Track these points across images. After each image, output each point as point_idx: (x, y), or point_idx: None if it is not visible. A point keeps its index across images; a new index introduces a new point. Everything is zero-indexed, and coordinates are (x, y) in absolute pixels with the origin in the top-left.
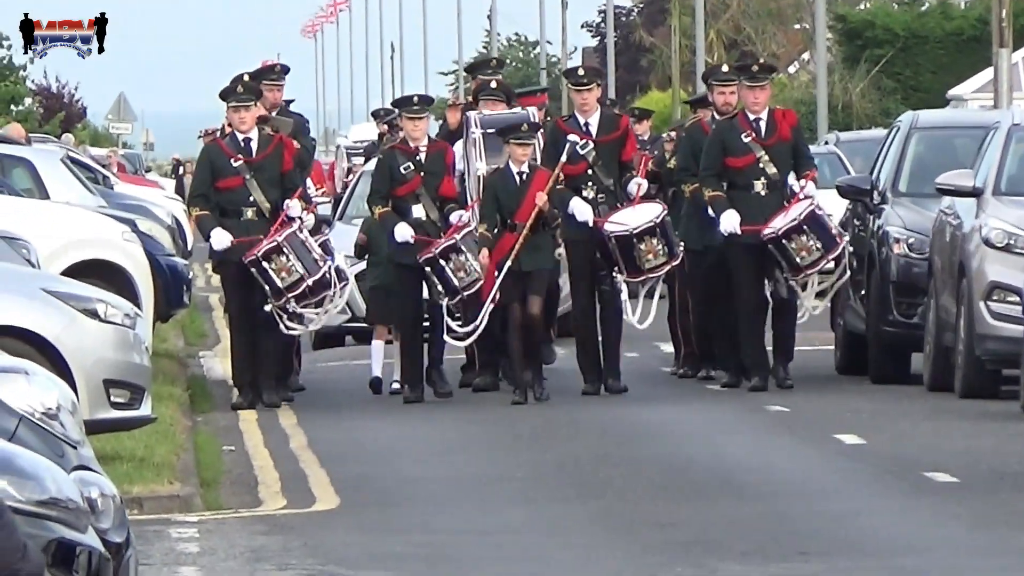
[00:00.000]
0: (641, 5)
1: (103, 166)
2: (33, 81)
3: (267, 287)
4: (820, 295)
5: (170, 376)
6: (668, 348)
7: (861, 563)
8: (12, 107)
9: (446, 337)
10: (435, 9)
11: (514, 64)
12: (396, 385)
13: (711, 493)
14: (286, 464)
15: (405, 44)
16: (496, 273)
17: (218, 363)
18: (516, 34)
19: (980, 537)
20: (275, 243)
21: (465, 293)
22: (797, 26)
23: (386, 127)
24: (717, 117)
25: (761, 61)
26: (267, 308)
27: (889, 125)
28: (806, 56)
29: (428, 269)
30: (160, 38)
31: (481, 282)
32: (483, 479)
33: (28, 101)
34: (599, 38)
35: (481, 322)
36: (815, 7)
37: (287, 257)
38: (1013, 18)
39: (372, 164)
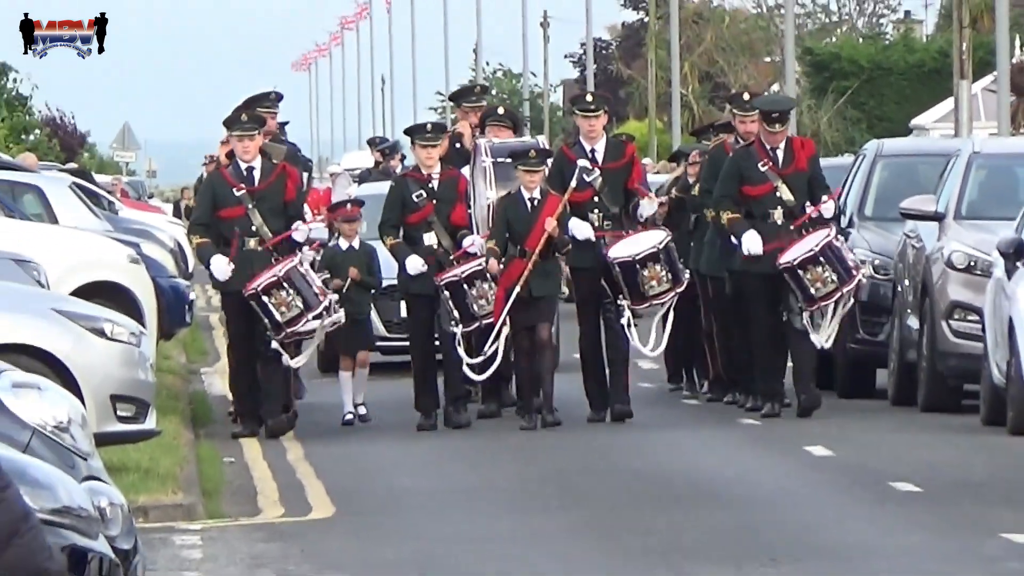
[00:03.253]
0: (620, 39)
1: (108, 192)
2: (40, 112)
3: (267, 320)
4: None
5: (173, 391)
6: (647, 365)
7: (830, 569)
8: (23, 136)
9: (466, 370)
10: (423, 43)
11: (499, 95)
12: (349, 416)
13: (687, 503)
14: (284, 475)
15: (395, 76)
16: (505, 299)
17: (218, 379)
18: (500, 65)
19: (943, 544)
20: (275, 278)
21: (483, 322)
22: (767, 59)
23: (381, 154)
24: (741, 141)
25: (782, 108)
26: (273, 345)
27: (855, 153)
28: (776, 87)
29: (447, 293)
30: (162, 72)
31: (494, 337)
32: (471, 490)
33: (37, 132)
34: (580, 70)
35: (495, 351)
36: (784, 41)
37: (287, 292)
38: (972, 51)
39: (360, 189)
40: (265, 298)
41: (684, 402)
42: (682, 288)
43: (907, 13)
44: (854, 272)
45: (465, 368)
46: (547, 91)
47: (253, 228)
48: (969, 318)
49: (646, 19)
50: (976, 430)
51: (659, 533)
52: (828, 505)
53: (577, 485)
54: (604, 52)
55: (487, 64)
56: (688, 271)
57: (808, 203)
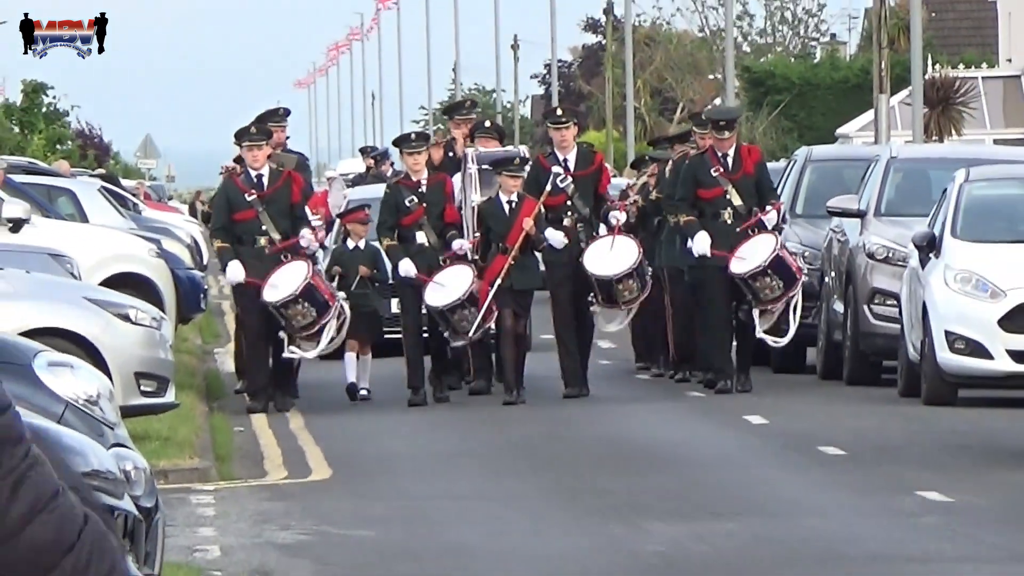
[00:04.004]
0: (580, 59)
1: (133, 195)
2: (78, 119)
3: (282, 321)
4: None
5: (190, 369)
6: (605, 345)
7: (767, 522)
8: (57, 147)
9: (450, 337)
10: (408, 64)
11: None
12: (364, 392)
13: (641, 466)
14: (287, 442)
15: (384, 92)
16: (489, 289)
17: (229, 359)
18: (475, 83)
19: (866, 501)
20: (292, 296)
21: (473, 336)
22: (711, 76)
23: (372, 161)
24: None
25: (727, 118)
26: (281, 334)
27: (788, 158)
28: (718, 101)
29: (436, 316)
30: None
31: (481, 327)
32: (452, 455)
33: (70, 143)
34: (545, 87)
35: (475, 334)
36: (725, 60)
37: (302, 305)
38: (890, 69)
39: (353, 192)
40: (283, 309)
41: (637, 377)
42: (647, 294)
43: (833, 35)
44: (797, 276)
45: (452, 344)
46: (517, 105)
47: (263, 228)
48: (888, 303)
49: (603, 41)
50: (894, 401)
51: (616, 493)
52: (765, 467)
53: (545, 451)
54: (567, 71)
55: (462, 82)
56: (651, 268)
57: (756, 205)
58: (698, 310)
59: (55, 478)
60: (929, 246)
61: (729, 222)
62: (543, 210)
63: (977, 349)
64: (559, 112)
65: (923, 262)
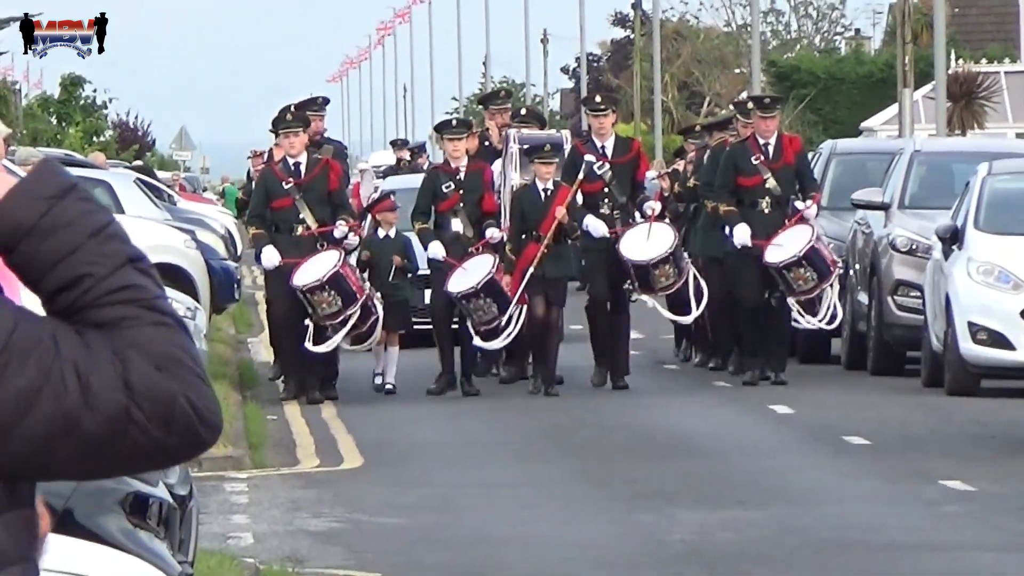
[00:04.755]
0: (609, 53)
1: (168, 187)
2: (117, 114)
3: (309, 308)
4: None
5: (223, 358)
6: (633, 335)
7: (791, 510)
8: (94, 139)
9: (477, 342)
10: (440, 57)
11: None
12: (390, 386)
13: (668, 453)
14: (319, 430)
15: (415, 85)
16: (521, 279)
17: (263, 348)
18: (505, 76)
19: (890, 490)
20: (319, 282)
21: (483, 328)
22: (737, 70)
23: (408, 153)
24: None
25: (772, 95)
26: (306, 322)
27: (813, 152)
28: (744, 95)
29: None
30: (215, 84)
31: (497, 320)
32: (482, 443)
33: (108, 134)
34: (574, 80)
35: (511, 327)
36: (751, 55)
37: (328, 292)
38: (914, 63)
39: (386, 183)
40: (309, 295)
41: (665, 367)
42: (683, 280)
43: (857, 31)
44: (832, 269)
45: (477, 341)
46: (546, 98)
47: (300, 217)
48: (911, 294)
49: (632, 36)
50: (917, 391)
51: (644, 480)
52: (790, 456)
53: (573, 439)
54: (595, 64)
55: (492, 76)
56: (687, 255)
57: (795, 195)
58: (730, 301)
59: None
60: (952, 238)
61: (767, 211)
62: (579, 198)
63: (999, 340)
64: (598, 99)
65: (946, 254)
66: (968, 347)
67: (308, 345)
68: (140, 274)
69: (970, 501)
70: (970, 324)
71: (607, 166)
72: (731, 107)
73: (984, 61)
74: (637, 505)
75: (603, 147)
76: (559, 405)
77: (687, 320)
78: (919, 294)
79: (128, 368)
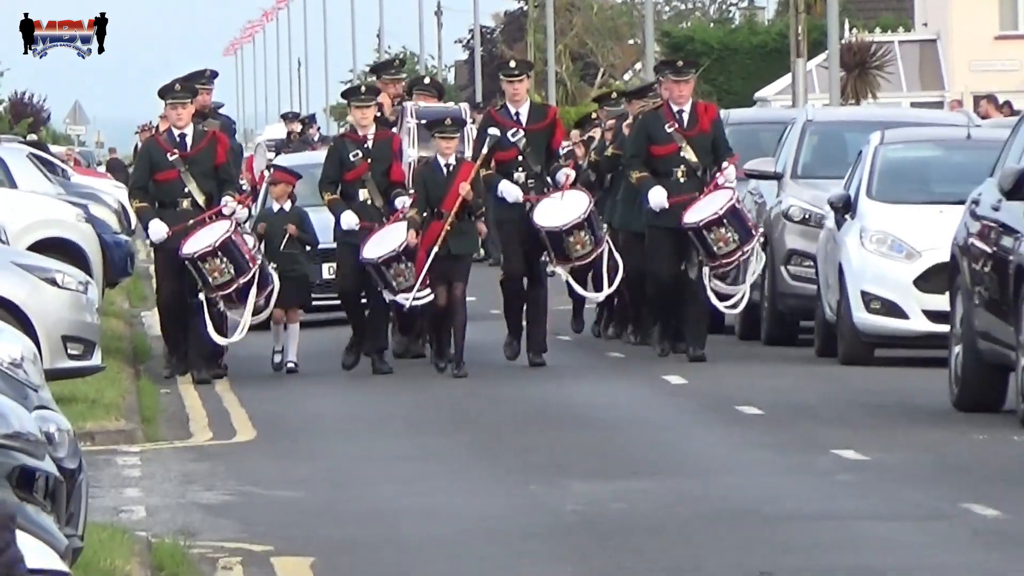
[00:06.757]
0: (503, 25)
1: (62, 161)
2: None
3: (199, 279)
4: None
5: (117, 333)
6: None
7: (684, 481)
8: None
9: (386, 295)
10: (333, 29)
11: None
12: (291, 364)
13: (561, 424)
14: (212, 404)
15: (309, 59)
16: (425, 258)
17: (156, 322)
18: (403, 47)
19: (783, 459)
20: (210, 247)
21: (402, 296)
22: (631, 41)
23: (298, 125)
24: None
25: (686, 58)
26: (200, 297)
27: None
28: (639, 66)
29: (371, 269)
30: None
31: (418, 290)
32: (375, 415)
33: (2, 107)
34: (469, 52)
35: (414, 299)
36: (645, 25)
37: (220, 260)
38: (807, 33)
39: (279, 158)
40: (200, 263)
41: (559, 338)
42: (601, 248)
43: (751, 1)
44: (753, 232)
45: (399, 298)
46: (441, 71)
47: (186, 190)
48: (804, 263)
49: (525, 8)
50: (811, 360)
51: (537, 451)
52: (683, 426)
53: (466, 411)
54: (489, 37)
55: (388, 48)
56: (605, 226)
57: (712, 163)
58: (647, 274)
59: None
60: (845, 207)
61: (683, 180)
62: (492, 164)
63: (893, 309)
64: (512, 64)
65: (839, 223)
66: (861, 316)
67: (212, 335)
68: None
69: (863, 470)
70: (863, 293)
71: (521, 133)
72: (654, 71)
73: (878, 31)
74: (530, 477)
75: (517, 113)
76: (450, 377)
77: (600, 297)
78: (812, 264)
79: None
